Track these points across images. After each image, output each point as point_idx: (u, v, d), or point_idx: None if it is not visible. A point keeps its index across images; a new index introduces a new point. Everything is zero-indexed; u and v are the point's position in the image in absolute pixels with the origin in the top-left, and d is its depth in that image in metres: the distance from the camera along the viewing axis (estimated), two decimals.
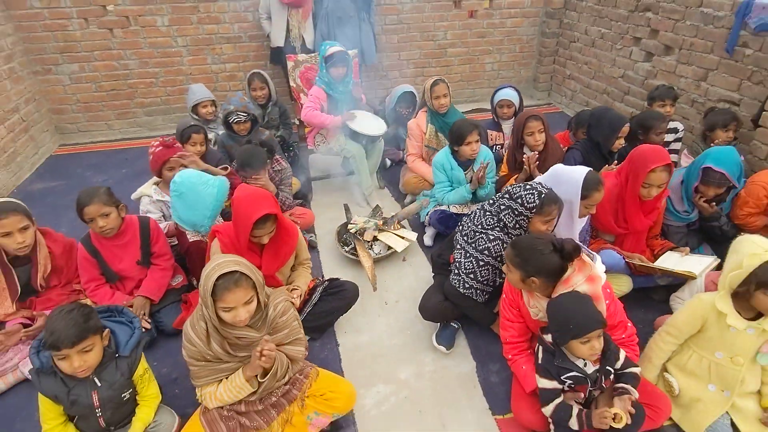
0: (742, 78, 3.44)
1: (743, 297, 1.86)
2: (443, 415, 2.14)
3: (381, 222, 3.22)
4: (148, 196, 2.83)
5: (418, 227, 3.41)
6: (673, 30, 4.00)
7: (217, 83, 5.15)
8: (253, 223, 2.08)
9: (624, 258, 2.59)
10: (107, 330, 1.86)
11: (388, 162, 4.32)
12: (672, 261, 2.55)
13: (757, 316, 1.88)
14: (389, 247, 3.09)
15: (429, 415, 2.15)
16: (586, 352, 1.73)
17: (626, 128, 3.06)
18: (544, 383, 1.83)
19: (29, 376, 2.28)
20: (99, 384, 1.83)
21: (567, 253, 1.83)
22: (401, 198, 3.86)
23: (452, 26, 5.53)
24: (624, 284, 2.60)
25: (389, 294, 2.87)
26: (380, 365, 2.40)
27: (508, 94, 3.69)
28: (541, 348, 1.89)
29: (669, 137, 3.50)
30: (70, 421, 1.89)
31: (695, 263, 2.45)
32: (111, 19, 4.69)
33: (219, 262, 1.74)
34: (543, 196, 2.19)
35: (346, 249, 3.13)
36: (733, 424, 1.96)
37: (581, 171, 2.40)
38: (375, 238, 3.14)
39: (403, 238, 3.14)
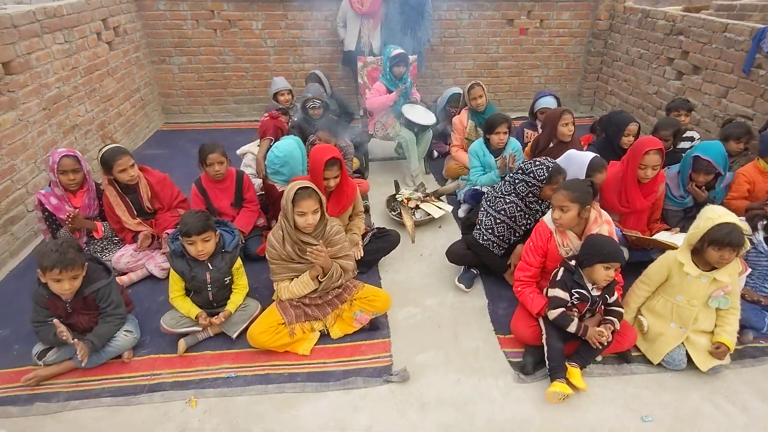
0: (756, 95, 3.86)
1: (700, 252, 2.38)
2: (457, 330, 2.75)
3: (423, 195, 3.88)
4: (252, 153, 3.68)
5: (455, 204, 4.03)
6: (701, 52, 4.45)
7: (295, 79, 6.01)
8: (324, 164, 2.79)
9: (622, 231, 3.11)
10: (218, 232, 2.64)
11: (435, 153, 4.98)
12: (663, 236, 3.04)
13: (712, 269, 2.38)
14: (428, 214, 3.74)
15: (445, 329, 2.77)
16: (602, 276, 2.28)
17: (632, 126, 3.53)
18: (558, 293, 2.38)
19: (153, 272, 3.15)
20: (211, 267, 2.60)
21: (595, 190, 2.54)
22: (443, 182, 4.51)
23: (504, 41, 6.16)
24: None
25: (425, 249, 3.52)
26: (411, 295, 3.05)
27: (549, 102, 4.25)
28: (562, 269, 2.44)
29: (686, 144, 3.94)
30: (187, 295, 2.68)
31: (680, 238, 2.93)
32: (217, 22, 5.69)
33: (298, 182, 2.47)
34: (550, 169, 2.78)
35: (393, 213, 3.81)
36: (688, 356, 2.46)
37: (588, 155, 2.97)
38: (417, 206, 3.81)
39: (440, 208, 3.79)
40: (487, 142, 3.83)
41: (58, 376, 2.43)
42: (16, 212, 3.43)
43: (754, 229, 2.65)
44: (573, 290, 2.35)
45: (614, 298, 2.41)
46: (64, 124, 4.03)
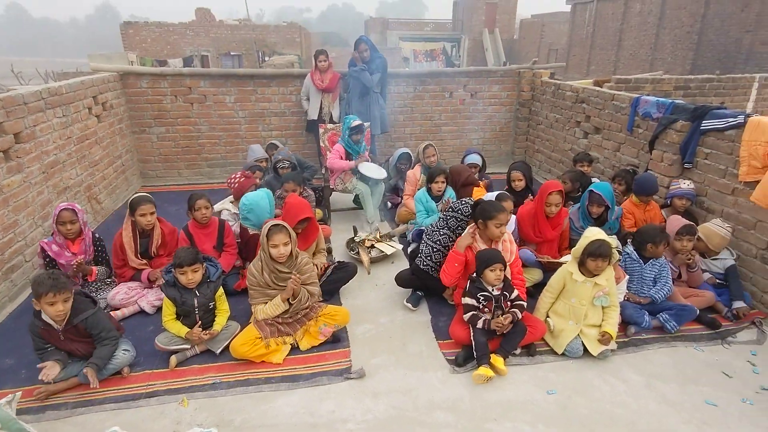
0: (639, 149, 4.86)
1: (583, 263, 3.12)
2: (405, 340, 3.34)
3: (378, 236, 4.56)
4: (227, 209, 4.30)
5: (405, 244, 4.72)
6: (598, 116, 5.51)
7: (264, 145, 6.75)
8: (298, 220, 3.45)
9: (536, 257, 3.86)
10: (205, 265, 3.21)
11: (389, 204, 5.73)
12: (566, 258, 3.79)
13: (594, 276, 3.12)
14: (382, 252, 4.40)
15: (396, 339, 3.35)
16: (492, 277, 3.00)
17: (513, 173, 4.52)
18: (468, 300, 3.07)
19: (144, 308, 3.62)
20: (198, 294, 3.13)
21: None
22: (395, 227, 5.21)
23: (446, 110, 7.20)
24: (536, 274, 3.84)
25: (379, 280, 4.14)
26: (368, 315, 3.63)
27: (475, 158, 5.17)
28: (469, 281, 3.14)
29: None
30: (177, 319, 3.17)
31: None
32: (194, 97, 6.47)
33: (272, 221, 3.11)
34: (472, 205, 3.54)
35: (352, 253, 4.46)
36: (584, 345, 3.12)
37: (496, 193, 3.81)
38: (373, 246, 4.47)
39: (392, 246, 4.47)
40: (429, 190, 4.61)
41: (65, 390, 2.83)
42: (16, 261, 3.87)
43: (624, 244, 3.46)
44: (478, 295, 3.04)
45: (515, 294, 3.09)
46: (58, 185, 4.56)
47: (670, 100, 4.44)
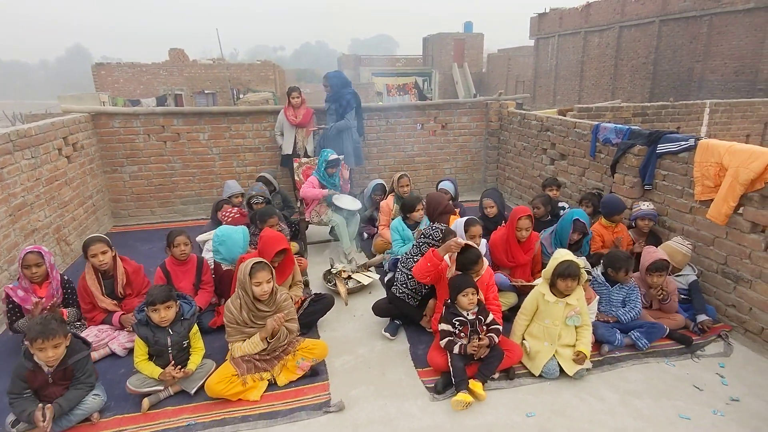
0: (602, 173, 5.07)
1: (554, 284, 3.20)
2: (384, 369, 3.32)
3: (354, 267, 4.58)
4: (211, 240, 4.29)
5: (382, 273, 4.74)
6: (563, 143, 5.75)
7: (239, 181, 6.75)
8: (275, 252, 3.46)
9: (510, 281, 3.93)
10: (178, 302, 3.17)
11: (365, 235, 5.78)
12: (539, 281, 3.87)
13: (565, 296, 3.20)
14: (359, 282, 4.41)
15: (375, 369, 3.33)
16: (465, 301, 3.06)
17: (485, 201, 4.68)
18: (444, 326, 3.10)
19: (116, 351, 3.52)
20: (171, 332, 3.08)
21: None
22: (372, 258, 5.24)
23: (418, 141, 7.38)
24: (511, 298, 3.91)
25: (357, 310, 4.14)
26: (346, 346, 3.61)
27: (447, 185, 5.30)
28: (444, 308, 3.18)
29: (562, 213, 4.99)
30: (150, 359, 3.10)
31: None
32: (167, 135, 6.48)
33: (253, 259, 3.11)
34: (443, 230, 3.62)
35: (329, 285, 4.45)
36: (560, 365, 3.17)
37: (465, 219, 3.92)
38: (349, 276, 4.48)
39: (369, 276, 4.49)
40: (405, 219, 4.69)
41: None
42: None
43: (594, 265, 3.57)
44: (453, 320, 3.08)
45: (490, 318, 3.14)
46: (26, 228, 4.47)
47: (627, 127, 4.68)
